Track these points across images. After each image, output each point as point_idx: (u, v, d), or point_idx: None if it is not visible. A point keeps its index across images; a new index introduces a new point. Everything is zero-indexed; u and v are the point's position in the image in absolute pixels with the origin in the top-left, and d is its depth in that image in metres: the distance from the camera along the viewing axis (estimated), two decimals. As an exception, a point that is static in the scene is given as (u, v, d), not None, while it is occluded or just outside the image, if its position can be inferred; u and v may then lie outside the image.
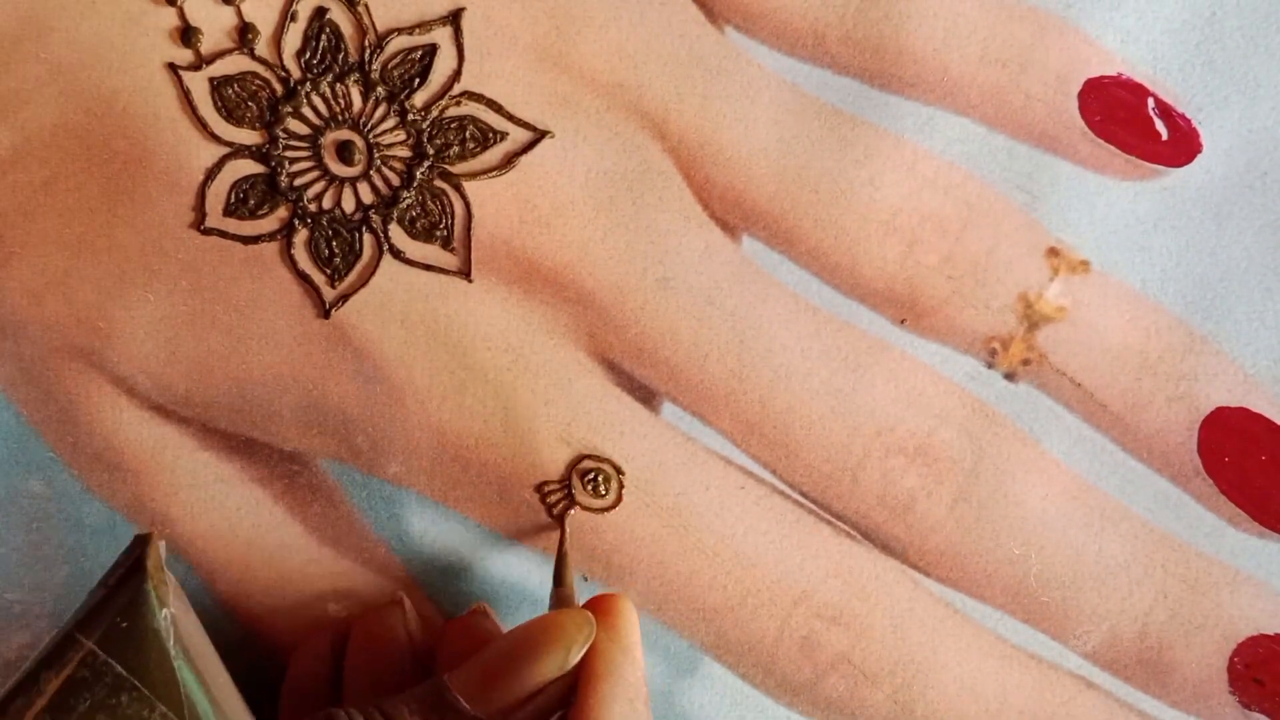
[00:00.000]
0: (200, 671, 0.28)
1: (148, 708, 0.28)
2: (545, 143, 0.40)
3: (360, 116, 0.40)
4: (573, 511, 0.41)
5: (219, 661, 0.30)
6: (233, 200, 0.40)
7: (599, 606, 0.37)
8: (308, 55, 0.40)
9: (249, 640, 0.41)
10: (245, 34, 0.40)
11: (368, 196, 0.40)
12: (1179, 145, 0.41)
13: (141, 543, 0.29)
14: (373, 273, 0.40)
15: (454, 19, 0.40)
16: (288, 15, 0.40)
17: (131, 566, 0.29)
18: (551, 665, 0.35)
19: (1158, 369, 0.41)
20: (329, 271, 0.40)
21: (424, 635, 0.40)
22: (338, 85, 0.40)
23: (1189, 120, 0.41)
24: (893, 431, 0.41)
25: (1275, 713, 0.41)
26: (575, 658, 0.35)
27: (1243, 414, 0.41)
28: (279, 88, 0.40)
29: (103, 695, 0.28)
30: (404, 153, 0.40)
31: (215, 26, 0.40)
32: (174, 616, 0.28)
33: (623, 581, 0.41)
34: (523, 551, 0.41)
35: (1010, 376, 0.42)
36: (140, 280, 0.40)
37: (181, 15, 0.39)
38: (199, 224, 0.40)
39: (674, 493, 0.41)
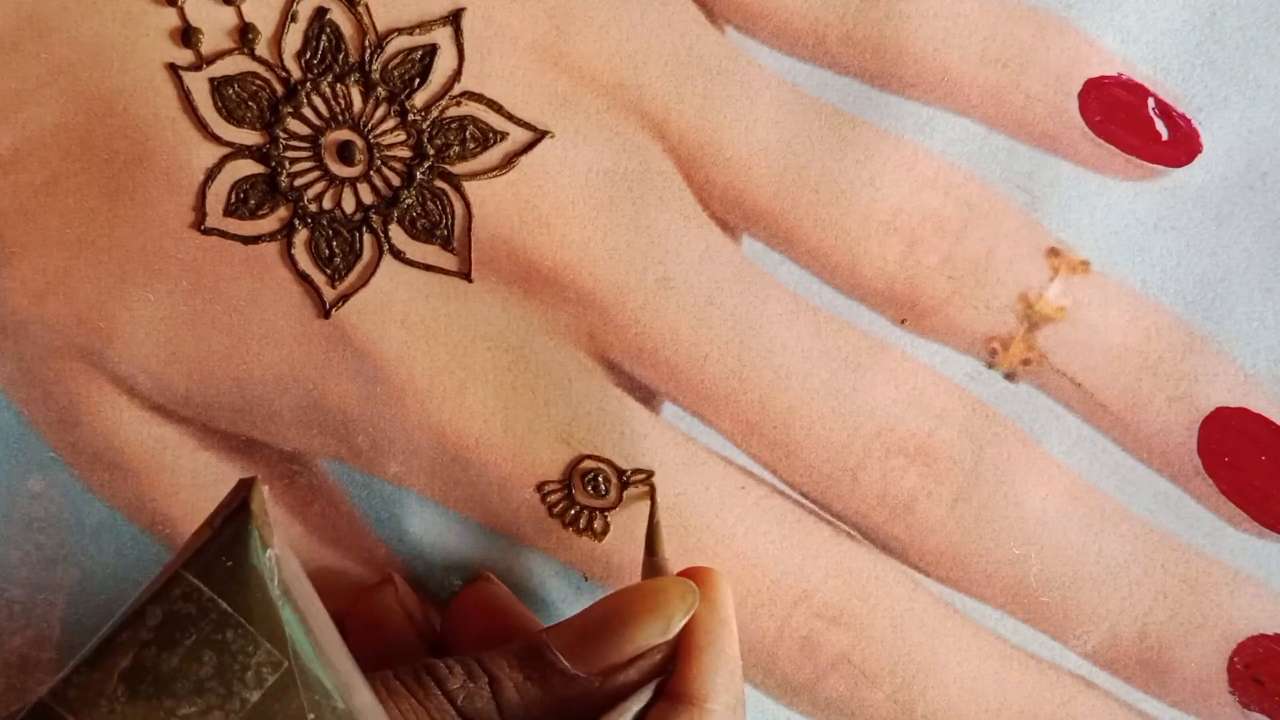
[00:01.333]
0: (303, 611, 0.28)
1: (253, 644, 0.28)
2: (545, 143, 0.40)
3: (360, 117, 0.40)
4: (655, 479, 0.40)
5: (320, 604, 0.30)
6: (233, 200, 0.40)
7: (695, 578, 0.37)
8: (308, 55, 0.40)
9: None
10: (246, 34, 0.40)
11: (368, 197, 0.40)
12: (1179, 145, 0.41)
13: (246, 485, 0.29)
14: (373, 273, 0.40)
15: (454, 19, 0.40)
16: (288, 15, 0.40)
17: (236, 508, 0.29)
18: (654, 631, 0.35)
19: (1158, 369, 0.41)
20: (329, 272, 0.40)
21: (421, 609, 0.40)
22: (338, 85, 0.40)
23: (1189, 120, 0.41)
24: (893, 431, 0.41)
25: (1275, 712, 0.41)
26: (677, 626, 0.35)
27: (1243, 414, 0.41)
28: (279, 88, 0.40)
29: (208, 631, 0.28)
30: (404, 153, 0.40)
31: (216, 27, 0.40)
32: (277, 557, 0.28)
33: (623, 581, 0.41)
34: (523, 552, 0.41)
35: (1010, 377, 0.42)
36: (141, 280, 0.40)
37: (182, 16, 0.39)
38: (199, 224, 0.40)
39: (674, 493, 0.41)
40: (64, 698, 0.27)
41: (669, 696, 0.34)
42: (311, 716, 0.28)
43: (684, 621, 0.35)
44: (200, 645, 0.28)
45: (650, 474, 0.41)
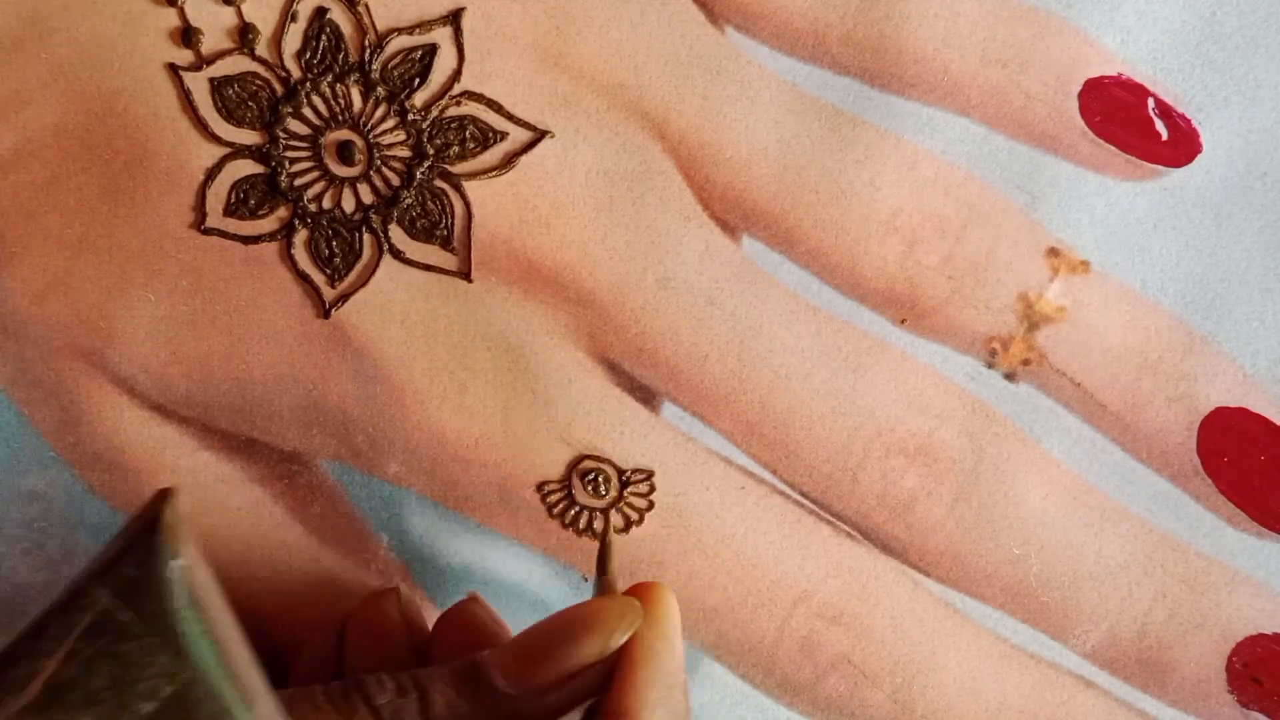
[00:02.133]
0: (209, 623, 0.28)
1: (149, 656, 0.27)
2: (545, 143, 0.40)
3: (360, 116, 0.40)
4: (614, 513, 0.40)
5: (230, 616, 0.30)
6: (233, 200, 0.40)
7: (639, 594, 0.36)
8: (308, 55, 0.40)
9: (249, 640, 0.41)
10: (245, 34, 0.40)
11: (368, 197, 0.40)
12: (1179, 145, 0.41)
13: (161, 495, 0.29)
14: (373, 273, 0.40)
15: (454, 19, 0.40)
16: (288, 15, 0.40)
17: (147, 518, 0.29)
18: (592, 648, 0.34)
19: (1157, 369, 0.41)
20: (329, 271, 0.40)
21: (420, 620, 0.40)
22: (338, 85, 0.40)
23: (1189, 120, 0.41)
24: (893, 431, 0.41)
25: (1274, 712, 0.41)
26: (617, 643, 0.34)
27: (1242, 414, 0.41)
28: (279, 88, 0.40)
29: (105, 643, 0.27)
30: (404, 153, 0.40)
31: (215, 27, 0.40)
32: (185, 568, 0.28)
33: (623, 581, 0.41)
34: (523, 552, 0.41)
35: (1010, 377, 0.42)
36: (141, 280, 0.40)
37: (182, 16, 0.39)
38: (199, 224, 0.40)
39: (674, 493, 0.41)
40: None
41: (603, 714, 0.34)
42: None
43: (624, 638, 0.34)
44: (97, 657, 0.27)
45: (650, 474, 0.41)
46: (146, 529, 0.28)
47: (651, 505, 0.41)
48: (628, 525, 0.41)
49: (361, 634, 0.39)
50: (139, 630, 0.27)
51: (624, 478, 0.41)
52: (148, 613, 0.28)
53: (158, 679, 0.27)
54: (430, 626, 0.40)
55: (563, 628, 0.35)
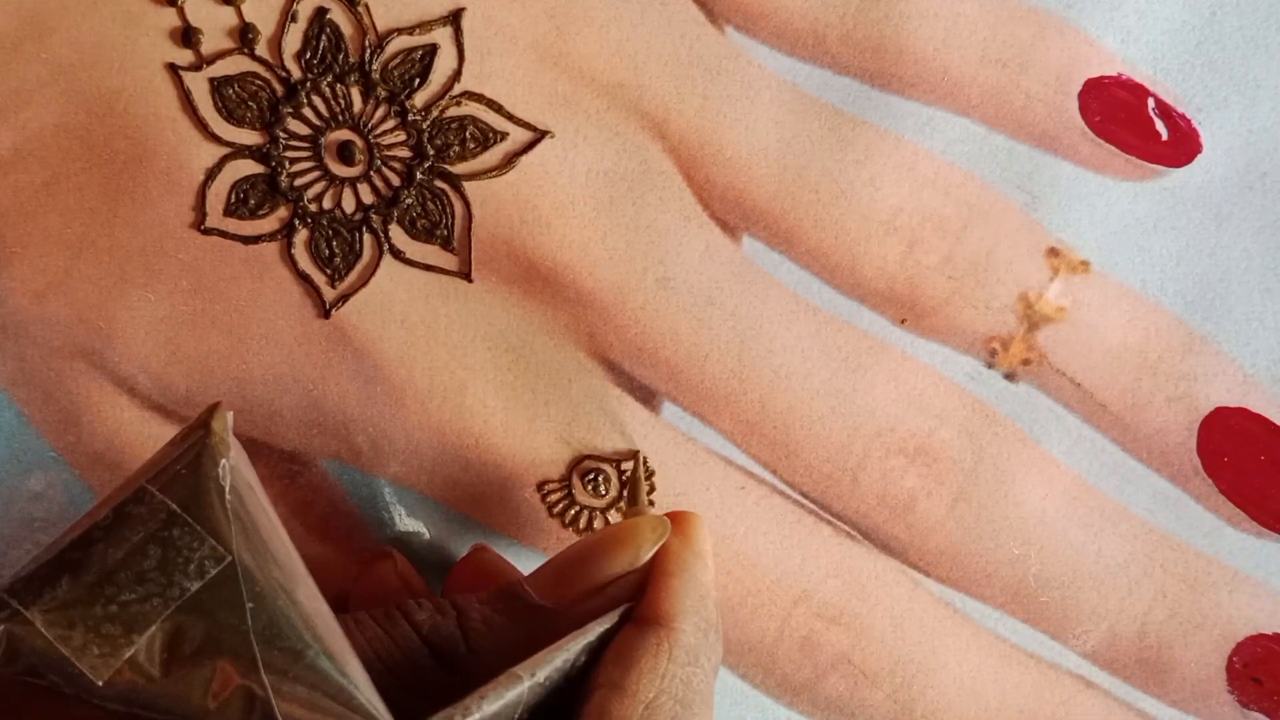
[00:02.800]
0: (252, 514, 0.30)
1: (198, 540, 0.29)
2: (545, 143, 0.40)
3: (360, 117, 0.40)
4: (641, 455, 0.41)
5: (273, 513, 0.32)
6: (233, 200, 0.40)
7: (676, 518, 0.37)
8: (308, 55, 0.40)
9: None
10: (245, 34, 0.40)
11: (368, 197, 0.40)
12: (1179, 145, 0.41)
13: (209, 410, 0.31)
14: (373, 273, 0.40)
15: (454, 19, 0.40)
16: (288, 16, 0.40)
17: (195, 424, 0.30)
18: (623, 559, 0.35)
19: (1157, 369, 0.41)
20: (329, 271, 0.40)
21: (418, 581, 0.40)
22: (338, 85, 0.40)
23: (1189, 120, 0.41)
24: (893, 432, 0.41)
25: (1273, 712, 0.42)
26: (646, 554, 0.35)
27: (1242, 414, 0.41)
28: (279, 88, 0.40)
29: (155, 528, 0.29)
30: (404, 153, 0.40)
31: (215, 27, 0.40)
32: (230, 466, 0.30)
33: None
34: (523, 551, 0.41)
35: (1010, 377, 0.42)
36: (141, 280, 0.40)
37: (182, 16, 0.39)
38: (199, 224, 0.40)
39: (674, 493, 0.41)
40: (12, 589, 0.29)
41: (636, 620, 0.34)
42: (251, 605, 0.29)
43: (653, 550, 0.35)
44: (146, 541, 0.29)
45: (651, 473, 0.41)
46: (193, 433, 0.30)
47: (651, 505, 0.41)
48: None
49: (364, 601, 0.39)
50: (187, 519, 0.29)
51: (624, 478, 0.41)
52: (195, 505, 0.29)
53: (205, 560, 0.29)
54: (428, 588, 0.40)
55: (594, 544, 0.36)
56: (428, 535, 0.42)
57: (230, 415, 0.31)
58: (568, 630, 0.33)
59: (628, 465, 0.41)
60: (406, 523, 0.42)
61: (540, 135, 0.40)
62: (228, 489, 0.30)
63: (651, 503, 0.41)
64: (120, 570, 0.29)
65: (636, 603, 0.35)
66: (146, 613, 0.29)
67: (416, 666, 0.34)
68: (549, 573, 0.36)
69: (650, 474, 0.41)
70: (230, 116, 0.40)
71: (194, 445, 0.30)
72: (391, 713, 0.30)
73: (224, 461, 0.30)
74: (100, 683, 0.29)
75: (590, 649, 0.33)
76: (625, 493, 0.40)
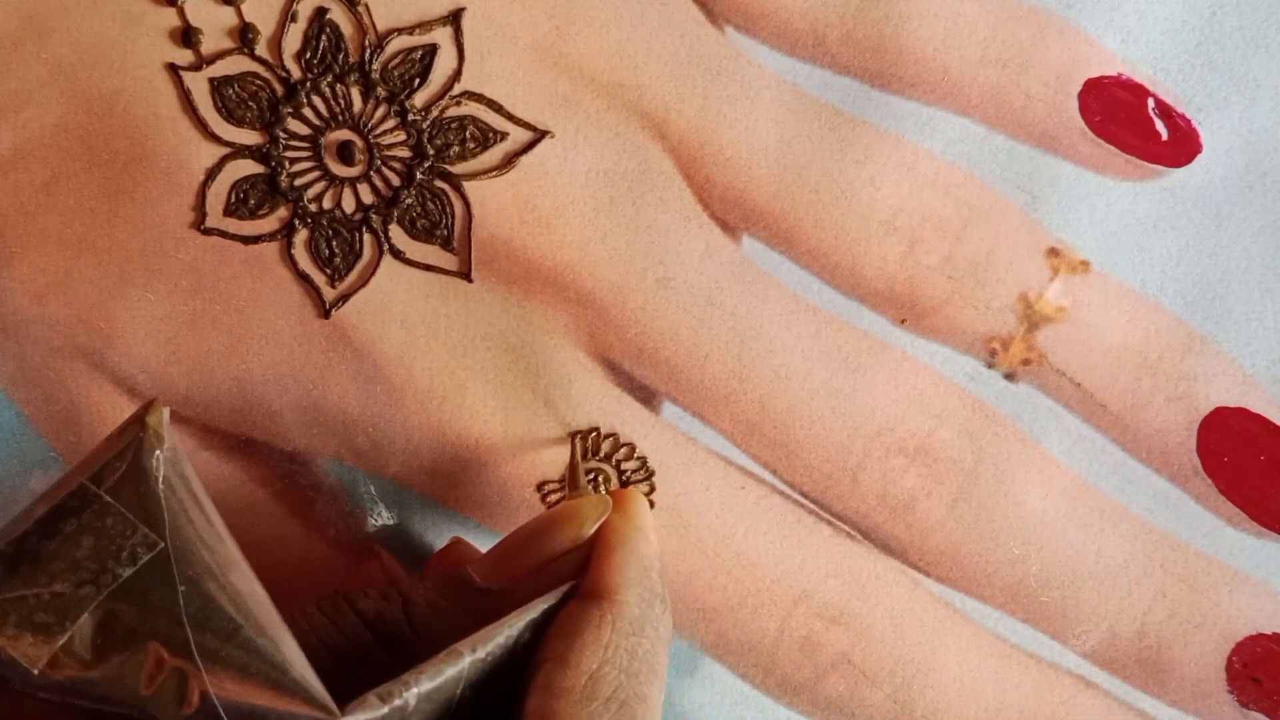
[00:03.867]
0: (185, 503, 0.31)
1: (130, 529, 0.30)
2: (545, 143, 0.40)
3: (360, 117, 0.40)
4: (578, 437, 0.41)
5: (210, 502, 0.32)
6: (233, 200, 0.40)
7: (615, 495, 0.38)
8: (308, 55, 0.40)
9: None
10: (245, 34, 0.40)
11: (368, 197, 0.40)
12: (1179, 145, 0.41)
13: (144, 406, 0.31)
14: (373, 273, 0.40)
15: (454, 19, 0.40)
16: (288, 16, 0.40)
17: (132, 419, 0.31)
18: (565, 536, 0.36)
19: (1157, 369, 0.41)
20: (329, 271, 0.40)
21: (405, 577, 0.40)
22: (338, 85, 0.40)
23: (1189, 120, 0.41)
24: (893, 431, 0.41)
25: (1273, 711, 0.42)
26: (589, 530, 0.36)
27: (1242, 414, 0.41)
28: (279, 88, 0.40)
29: (89, 519, 0.30)
30: (404, 153, 0.40)
31: (215, 27, 0.40)
32: (165, 459, 0.30)
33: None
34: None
35: (1010, 377, 0.42)
36: (141, 280, 0.40)
37: (182, 16, 0.39)
38: (199, 224, 0.40)
39: (674, 493, 0.41)
40: None
41: (580, 595, 0.35)
42: (183, 589, 0.30)
43: (595, 526, 0.36)
44: (79, 531, 0.30)
45: (651, 474, 0.41)
46: (132, 430, 0.31)
47: (651, 505, 0.41)
48: None
49: None
50: (119, 509, 0.30)
51: (624, 477, 0.41)
52: (129, 495, 0.30)
53: (137, 547, 0.30)
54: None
55: (538, 523, 0.36)
56: (426, 535, 0.42)
57: (167, 410, 0.31)
58: (512, 610, 0.34)
59: (628, 465, 0.41)
60: (405, 523, 0.42)
61: (540, 135, 0.40)
62: (160, 479, 0.30)
63: (600, 483, 0.41)
64: (53, 560, 0.30)
65: (580, 579, 0.35)
66: (79, 600, 0.29)
67: (362, 650, 0.34)
68: (493, 556, 0.36)
69: (650, 474, 0.41)
70: (230, 116, 0.40)
71: (130, 439, 0.30)
72: (337, 692, 0.30)
73: (158, 453, 0.30)
74: (35, 671, 0.29)
75: (534, 625, 0.34)
76: (564, 477, 0.40)
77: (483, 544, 0.42)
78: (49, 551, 0.30)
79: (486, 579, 0.35)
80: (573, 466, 0.40)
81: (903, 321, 0.41)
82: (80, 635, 0.29)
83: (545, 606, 0.34)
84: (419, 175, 0.40)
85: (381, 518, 0.41)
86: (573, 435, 0.41)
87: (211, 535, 0.31)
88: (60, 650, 0.29)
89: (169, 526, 0.30)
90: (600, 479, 0.41)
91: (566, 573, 0.35)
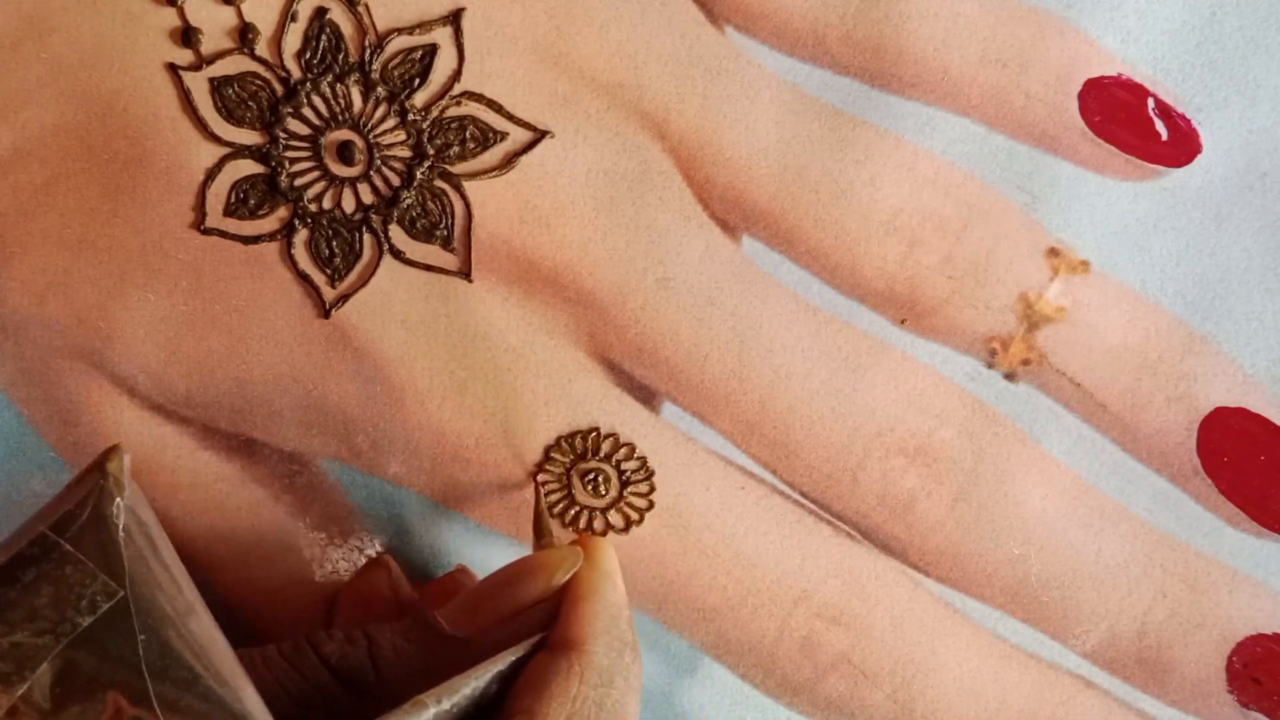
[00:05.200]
0: (145, 551, 0.31)
1: (90, 578, 0.30)
2: (545, 143, 0.40)
3: (360, 116, 0.40)
4: (541, 476, 0.41)
5: (172, 550, 0.32)
6: (233, 200, 0.40)
7: (581, 543, 0.38)
8: (308, 55, 0.40)
9: (249, 640, 0.41)
10: (245, 34, 0.40)
11: (368, 197, 0.40)
12: (1179, 146, 0.41)
13: (106, 453, 0.31)
14: (373, 273, 0.40)
15: (454, 19, 0.40)
16: (288, 15, 0.40)
17: (93, 466, 0.31)
18: (535, 587, 0.36)
19: (1157, 369, 0.41)
20: (329, 271, 0.40)
21: (409, 593, 0.40)
22: (338, 85, 0.40)
23: (1189, 121, 0.41)
24: (893, 431, 0.41)
25: (1273, 711, 0.42)
26: (559, 581, 0.36)
27: (1242, 414, 0.41)
28: (279, 88, 0.40)
29: (48, 568, 0.30)
30: (404, 153, 0.40)
31: (215, 27, 0.40)
32: (126, 507, 0.30)
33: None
34: (523, 552, 0.41)
35: (1010, 377, 0.42)
36: (141, 280, 0.40)
37: (182, 16, 0.39)
38: (199, 224, 0.40)
39: (674, 493, 0.41)
40: None
41: (550, 647, 0.35)
42: (142, 637, 0.30)
43: (565, 577, 0.36)
44: (39, 580, 0.30)
45: (651, 474, 0.41)
46: (92, 478, 0.31)
47: (651, 505, 0.41)
48: (628, 525, 0.41)
49: (352, 604, 0.40)
50: (79, 557, 0.30)
51: (624, 477, 0.41)
52: (89, 543, 0.30)
53: (97, 596, 0.30)
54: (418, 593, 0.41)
55: (508, 573, 0.37)
56: (426, 536, 0.42)
57: (128, 457, 0.31)
58: (481, 660, 0.34)
59: (628, 466, 0.41)
60: (405, 523, 0.42)
61: (540, 135, 0.40)
62: (120, 527, 0.30)
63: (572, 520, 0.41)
64: (12, 609, 0.30)
65: (549, 632, 0.35)
66: (38, 649, 0.29)
67: (326, 696, 0.35)
68: (463, 602, 0.36)
69: (650, 474, 0.41)
70: (230, 116, 0.40)
71: (91, 487, 0.30)
72: None
73: (118, 501, 0.30)
74: None
75: (502, 677, 0.34)
76: (533, 528, 0.40)
77: (484, 544, 0.42)
78: (8, 600, 0.30)
79: (455, 625, 0.36)
80: (537, 515, 0.40)
81: (903, 321, 0.41)
82: (39, 685, 0.29)
83: (513, 659, 0.34)
84: (419, 175, 0.40)
85: (398, 522, 0.41)
86: (535, 477, 0.41)
87: (170, 583, 0.31)
88: (20, 700, 0.29)
89: (129, 575, 0.30)
90: (600, 479, 0.41)
91: (535, 624, 0.35)
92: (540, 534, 0.39)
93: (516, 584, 0.36)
